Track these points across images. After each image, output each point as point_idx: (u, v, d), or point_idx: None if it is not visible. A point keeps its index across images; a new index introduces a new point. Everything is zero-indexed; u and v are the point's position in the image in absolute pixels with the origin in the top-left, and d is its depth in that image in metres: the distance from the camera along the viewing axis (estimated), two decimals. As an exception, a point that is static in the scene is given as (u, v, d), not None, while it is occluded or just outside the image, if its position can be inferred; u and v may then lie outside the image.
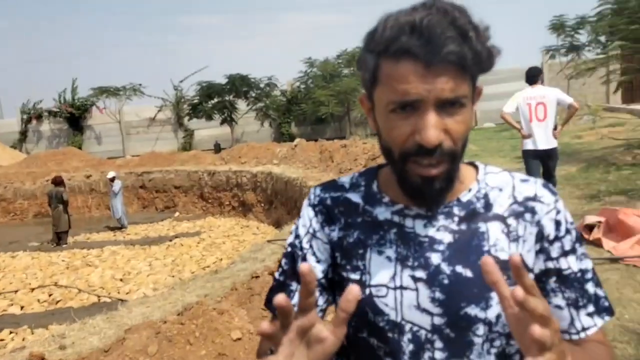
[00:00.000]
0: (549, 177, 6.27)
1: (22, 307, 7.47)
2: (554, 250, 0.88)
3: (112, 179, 13.42)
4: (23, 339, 6.10)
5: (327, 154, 12.92)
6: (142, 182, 16.18)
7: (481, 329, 0.85)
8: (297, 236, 0.99)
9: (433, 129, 0.78)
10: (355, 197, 0.97)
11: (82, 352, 3.33)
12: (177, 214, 14.98)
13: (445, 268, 0.87)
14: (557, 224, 0.89)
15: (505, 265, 0.81)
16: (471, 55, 0.77)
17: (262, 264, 5.25)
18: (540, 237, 0.89)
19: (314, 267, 0.95)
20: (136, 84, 24.29)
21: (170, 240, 11.25)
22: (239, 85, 21.47)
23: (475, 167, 0.96)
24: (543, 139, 6.07)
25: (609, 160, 9.26)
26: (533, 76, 6.25)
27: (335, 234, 0.96)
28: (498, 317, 0.85)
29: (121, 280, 8.50)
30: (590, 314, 0.89)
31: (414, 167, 0.82)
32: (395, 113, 0.81)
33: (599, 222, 5.39)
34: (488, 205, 0.90)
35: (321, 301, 0.96)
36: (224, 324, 3.29)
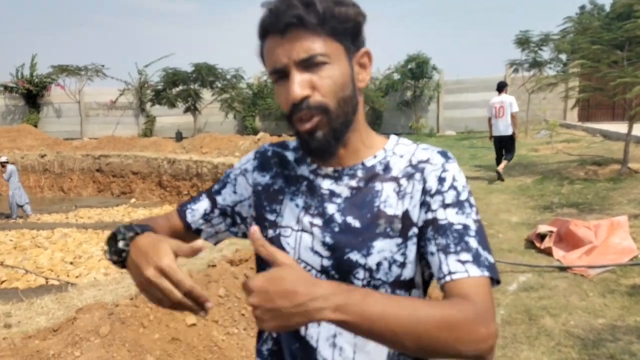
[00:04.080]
0: (507, 152, 10.00)
1: (-36, 285, 7.20)
2: (435, 203, 0.96)
3: (3, 164, 11.87)
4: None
5: (290, 149, 12.89)
6: (99, 165, 15.78)
7: (361, 274, 0.96)
8: (232, 169, 1.19)
9: (295, 85, 0.92)
10: (290, 156, 1.13)
11: (29, 331, 3.23)
12: (133, 200, 14.68)
13: (338, 218, 1.00)
14: (441, 180, 0.97)
15: (390, 219, 0.97)
16: (314, 16, 0.90)
17: (220, 254, 5.19)
18: (424, 191, 0.98)
19: (229, 194, 1.16)
20: (98, 64, 23.56)
21: (125, 226, 11.01)
22: (205, 74, 21.07)
23: (389, 139, 1.08)
24: (501, 129, 9.92)
25: (563, 174, 9.57)
26: (502, 87, 10.07)
27: (264, 180, 1.13)
28: (378, 264, 0.96)
29: (71, 263, 8.27)
30: (462, 262, 0.89)
31: (297, 126, 0.97)
32: (277, 84, 0.97)
33: (551, 231, 5.58)
34: (387, 169, 1.02)
35: (218, 222, 1.18)
36: (179, 309, 3.23)
